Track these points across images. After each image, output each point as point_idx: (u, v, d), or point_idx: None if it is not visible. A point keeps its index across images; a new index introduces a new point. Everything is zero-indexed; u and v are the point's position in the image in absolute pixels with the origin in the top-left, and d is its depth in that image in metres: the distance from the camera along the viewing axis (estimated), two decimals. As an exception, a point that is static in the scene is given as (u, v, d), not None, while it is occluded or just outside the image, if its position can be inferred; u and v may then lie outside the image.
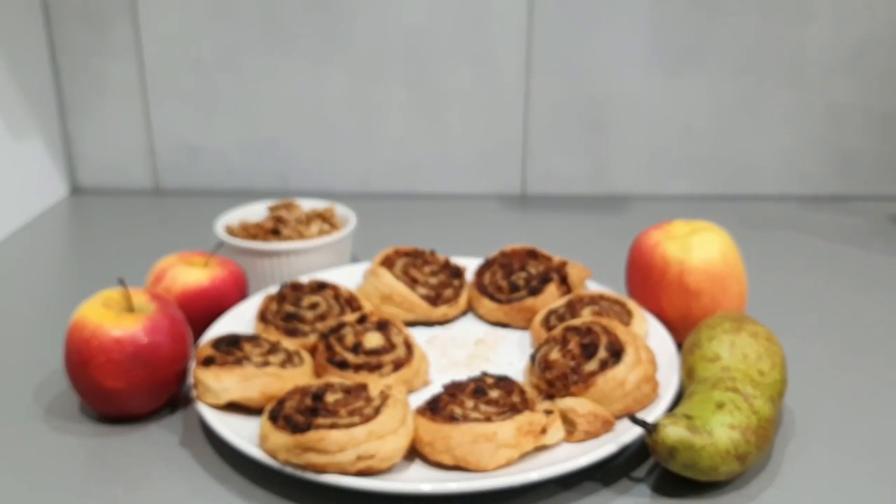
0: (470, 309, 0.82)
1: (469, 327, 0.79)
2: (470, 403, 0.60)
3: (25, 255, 1.02)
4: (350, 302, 0.76)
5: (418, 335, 0.75)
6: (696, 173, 1.21)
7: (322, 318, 0.74)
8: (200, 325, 0.74)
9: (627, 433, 0.59)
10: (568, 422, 0.60)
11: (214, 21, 1.15)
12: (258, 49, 1.16)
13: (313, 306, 0.75)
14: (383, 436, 0.56)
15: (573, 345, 0.65)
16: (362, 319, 0.72)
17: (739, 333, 0.64)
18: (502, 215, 1.14)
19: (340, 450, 0.55)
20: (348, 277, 0.84)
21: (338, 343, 0.68)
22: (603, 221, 1.12)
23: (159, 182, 1.23)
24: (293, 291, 0.76)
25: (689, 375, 0.64)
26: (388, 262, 0.81)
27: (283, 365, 0.65)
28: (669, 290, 0.73)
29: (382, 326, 0.70)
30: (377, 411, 0.57)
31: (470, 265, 0.86)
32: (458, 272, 0.83)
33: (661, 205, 1.18)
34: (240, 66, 1.17)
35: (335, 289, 0.77)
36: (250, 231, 0.87)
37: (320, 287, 0.77)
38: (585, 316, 0.72)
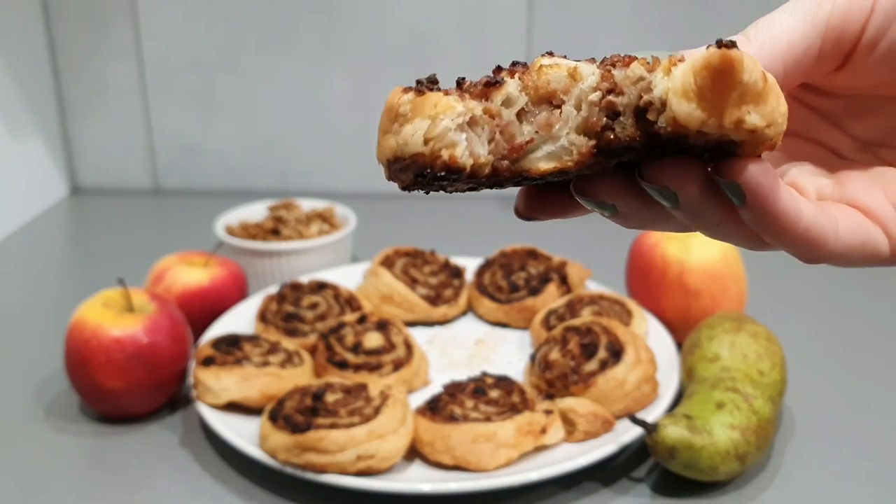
0: (470, 309, 0.82)
1: (469, 327, 0.79)
2: (470, 403, 0.60)
3: (25, 255, 1.02)
4: (350, 302, 0.76)
5: (418, 335, 0.75)
6: (696, 173, 1.21)
7: (322, 318, 0.74)
8: (200, 325, 0.74)
9: (627, 433, 0.59)
10: (568, 422, 0.60)
11: (214, 21, 1.15)
12: (258, 49, 1.16)
13: (313, 306, 0.75)
14: (383, 436, 0.56)
15: (573, 345, 0.65)
16: (362, 319, 0.72)
17: (739, 333, 0.64)
18: (502, 215, 1.14)
19: (340, 450, 0.55)
20: (348, 277, 0.84)
21: (338, 343, 0.68)
22: (603, 221, 1.12)
23: (159, 182, 1.23)
24: (293, 291, 0.76)
25: (689, 375, 0.64)
26: (388, 262, 0.81)
27: (283, 365, 0.65)
28: (669, 290, 0.73)
29: (382, 326, 0.70)
30: (377, 411, 0.57)
31: (470, 265, 0.85)
32: (458, 272, 0.83)
33: (661, 205, 1.18)
34: (240, 66, 1.17)
35: (335, 289, 0.77)
36: (250, 231, 0.87)
37: (320, 287, 0.77)
38: (585, 316, 0.72)
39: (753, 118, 0.26)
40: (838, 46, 0.30)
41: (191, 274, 0.75)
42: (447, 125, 0.27)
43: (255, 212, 0.92)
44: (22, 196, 1.11)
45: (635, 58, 0.28)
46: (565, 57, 0.29)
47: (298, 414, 0.57)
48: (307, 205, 0.94)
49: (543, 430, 0.58)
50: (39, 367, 0.74)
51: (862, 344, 0.79)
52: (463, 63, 1.16)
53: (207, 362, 0.64)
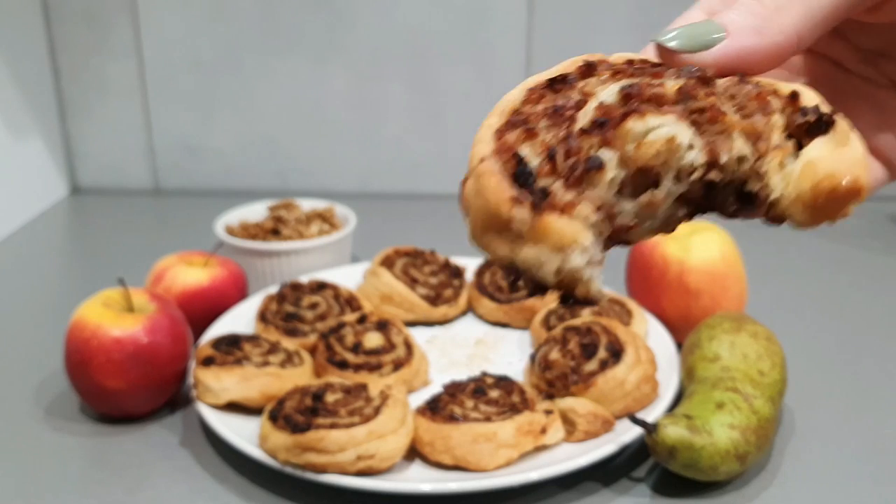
0: (470, 309, 0.82)
1: (469, 327, 0.79)
2: (470, 403, 0.60)
3: (25, 255, 1.02)
4: (350, 302, 0.76)
5: (418, 335, 0.75)
6: (696, 173, 1.21)
7: (322, 317, 0.74)
8: (200, 325, 0.74)
9: (627, 433, 0.59)
10: (568, 422, 0.60)
11: (214, 21, 1.15)
12: (258, 49, 1.16)
13: (313, 306, 0.75)
14: (383, 436, 0.56)
15: (573, 345, 0.65)
16: (362, 319, 0.72)
17: (739, 333, 0.64)
18: (502, 215, 1.14)
19: (340, 450, 0.55)
20: (348, 277, 0.84)
21: (338, 343, 0.68)
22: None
23: (159, 182, 1.23)
24: (293, 291, 0.76)
25: (689, 375, 0.64)
26: (388, 262, 0.81)
27: (282, 365, 0.65)
28: (669, 290, 0.73)
29: (382, 326, 0.70)
30: (377, 411, 0.57)
31: (470, 265, 0.86)
32: (458, 272, 0.83)
33: (661, 205, 1.18)
34: (240, 66, 1.17)
35: (335, 289, 0.77)
36: (250, 231, 0.87)
37: (320, 287, 0.77)
38: (585, 316, 0.72)
39: (852, 210, 0.26)
40: (865, 9, 0.31)
41: (191, 274, 0.75)
42: (578, 263, 0.25)
43: (255, 212, 0.92)
44: (22, 196, 1.11)
45: (726, 114, 0.27)
46: (650, 105, 0.27)
47: (298, 414, 0.57)
48: (307, 205, 0.94)
49: (543, 430, 0.58)
50: (39, 367, 0.74)
51: (862, 344, 0.79)
52: (463, 63, 1.16)
53: (207, 362, 0.64)
